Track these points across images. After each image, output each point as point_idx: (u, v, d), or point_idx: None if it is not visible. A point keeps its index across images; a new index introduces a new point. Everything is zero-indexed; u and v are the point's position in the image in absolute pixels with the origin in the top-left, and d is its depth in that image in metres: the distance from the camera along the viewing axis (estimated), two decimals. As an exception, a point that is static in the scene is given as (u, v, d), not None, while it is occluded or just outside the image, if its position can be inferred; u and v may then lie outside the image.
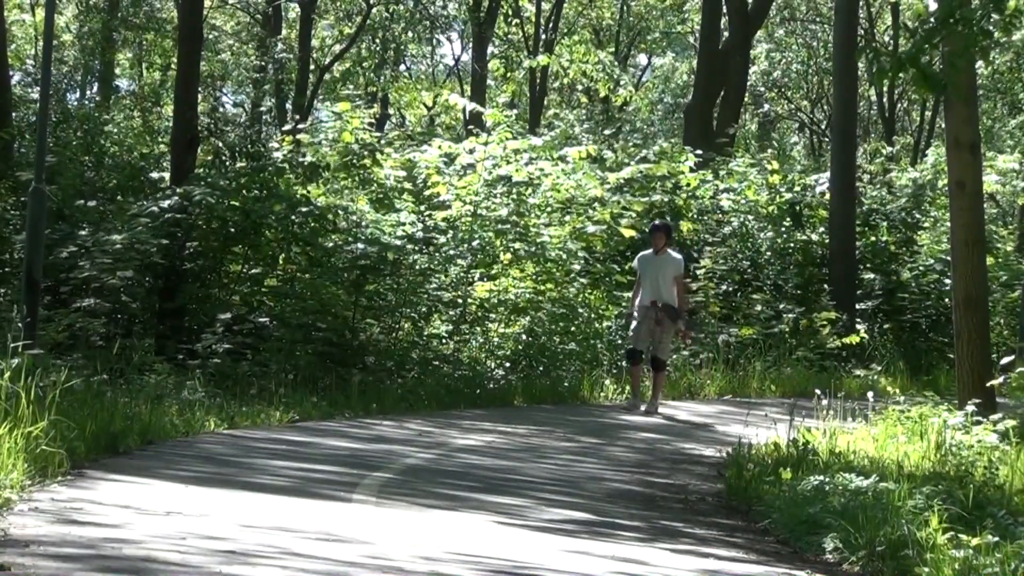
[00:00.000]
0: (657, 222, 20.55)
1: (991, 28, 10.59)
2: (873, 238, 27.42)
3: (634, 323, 18.58)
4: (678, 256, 19.12)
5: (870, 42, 11.79)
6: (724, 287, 24.76)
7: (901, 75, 10.54)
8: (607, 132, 36.46)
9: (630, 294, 19.74)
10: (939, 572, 8.32)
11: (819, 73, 46.84)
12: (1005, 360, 14.26)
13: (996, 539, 8.54)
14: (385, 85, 40.78)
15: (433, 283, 20.28)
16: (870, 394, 15.35)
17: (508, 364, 20.05)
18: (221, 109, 39.48)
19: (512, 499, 10.46)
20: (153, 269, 18.38)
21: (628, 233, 23.41)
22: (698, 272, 24.76)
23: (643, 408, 18.30)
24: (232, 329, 17.62)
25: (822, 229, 26.89)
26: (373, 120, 23.82)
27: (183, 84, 20.06)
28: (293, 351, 17.59)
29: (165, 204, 18.54)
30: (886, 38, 41.72)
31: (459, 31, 46.67)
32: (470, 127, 30.92)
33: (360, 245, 19.07)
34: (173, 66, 30.35)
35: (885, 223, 27.84)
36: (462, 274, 21.08)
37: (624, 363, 19.83)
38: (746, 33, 32.49)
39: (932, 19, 10.61)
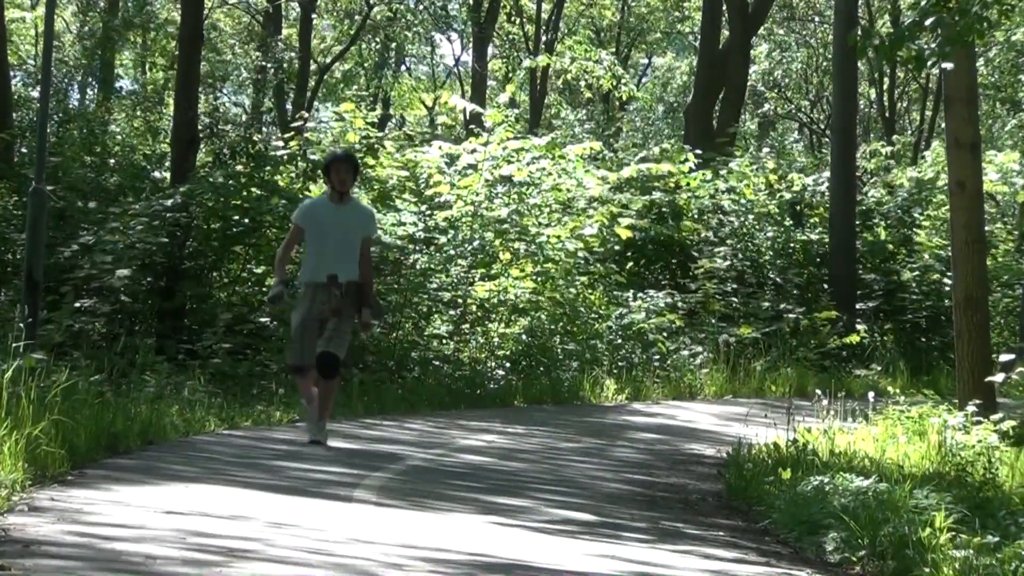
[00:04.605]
0: (338, 150, 15.31)
1: (987, 16, 10.68)
2: (872, 237, 27.43)
3: (297, 316, 12.25)
4: (370, 208, 14.14)
5: (866, 30, 11.86)
6: (724, 287, 24.76)
7: (900, 54, 10.64)
8: (607, 132, 36.47)
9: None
10: (939, 572, 8.31)
11: (819, 73, 46.83)
12: (1004, 357, 14.24)
13: (996, 539, 8.55)
14: (387, 85, 40.77)
15: (433, 283, 20.27)
16: (870, 394, 15.36)
17: (508, 364, 20.05)
18: (221, 109, 39.46)
19: (513, 499, 10.45)
20: (154, 269, 18.39)
21: (624, 234, 23.40)
22: (698, 272, 24.76)
23: (309, 437, 12.51)
24: (233, 329, 17.62)
25: (821, 228, 26.89)
26: (375, 120, 23.84)
27: (183, 84, 20.09)
28: (293, 351, 17.55)
29: (166, 204, 18.56)
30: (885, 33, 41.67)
31: (459, 31, 46.67)
32: (471, 126, 30.91)
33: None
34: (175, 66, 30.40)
35: (884, 223, 27.86)
36: (463, 274, 21.08)
37: (290, 376, 14.58)
38: (746, 33, 32.50)
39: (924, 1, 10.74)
